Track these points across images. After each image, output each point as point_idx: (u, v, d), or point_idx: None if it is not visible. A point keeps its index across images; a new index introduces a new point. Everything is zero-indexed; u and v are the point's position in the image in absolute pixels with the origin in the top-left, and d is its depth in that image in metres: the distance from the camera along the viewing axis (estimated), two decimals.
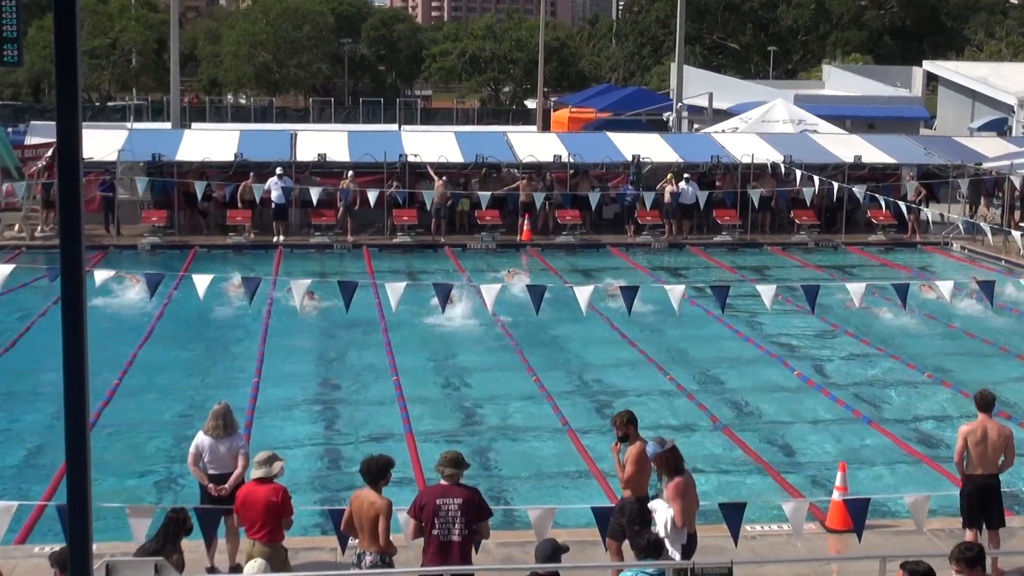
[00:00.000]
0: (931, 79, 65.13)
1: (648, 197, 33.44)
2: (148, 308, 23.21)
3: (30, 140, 34.58)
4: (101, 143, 32.06)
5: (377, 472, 10.55)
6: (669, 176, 34.34)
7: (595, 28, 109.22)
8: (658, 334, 23.46)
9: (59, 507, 11.12)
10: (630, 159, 34.86)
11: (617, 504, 11.83)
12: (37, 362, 19.84)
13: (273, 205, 32.53)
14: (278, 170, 32.51)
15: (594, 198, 33.58)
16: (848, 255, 32.97)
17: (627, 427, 11.67)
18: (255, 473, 11.11)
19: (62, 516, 10.71)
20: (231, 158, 33.42)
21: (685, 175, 34.02)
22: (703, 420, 17.84)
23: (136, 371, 19.88)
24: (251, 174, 32.64)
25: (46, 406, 18.03)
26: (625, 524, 11.47)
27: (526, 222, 33.38)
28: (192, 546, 11.42)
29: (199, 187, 31.99)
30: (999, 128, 51.60)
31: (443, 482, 10.42)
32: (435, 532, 10.25)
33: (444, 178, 33.34)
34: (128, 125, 47.60)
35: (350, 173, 33.06)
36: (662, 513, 10.90)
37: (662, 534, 10.74)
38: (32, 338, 21.77)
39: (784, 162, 34.70)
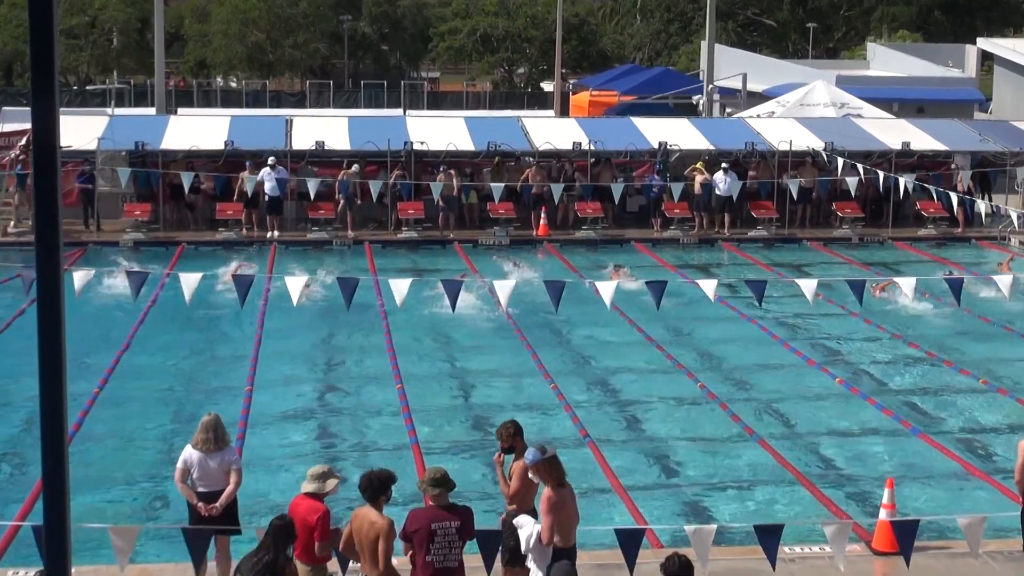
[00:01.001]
0: (986, 58, 64.90)
1: (676, 188, 33.38)
2: (131, 310, 23.25)
3: (2, 127, 34.65)
4: (80, 130, 32.13)
5: (378, 487, 10.53)
6: (699, 165, 34.30)
7: (618, 3, 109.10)
8: (687, 337, 23.44)
9: (35, 528, 11.14)
10: (656, 146, 34.83)
11: (503, 521, 11.76)
12: (10, 368, 19.90)
13: (266, 198, 32.58)
14: (271, 160, 32.55)
15: (617, 189, 33.53)
16: (896, 251, 32.90)
17: (513, 439, 11.66)
18: (306, 487, 11.03)
19: (38, 538, 10.73)
20: (221, 146, 33.45)
21: (723, 164, 33.94)
22: (737, 431, 17.81)
23: (118, 378, 19.92)
24: (248, 164, 32.67)
25: (20, 416, 18.10)
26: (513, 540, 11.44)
27: (543, 216, 33.37)
28: (180, 568, 11.45)
29: (186, 178, 32.04)
30: None
31: (430, 503, 10.39)
32: (429, 559, 10.22)
33: (443, 168, 33.24)
34: (109, 111, 47.70)
35: (355, 166, 33.06)
36: (527, 528, 10.93)
37: (524, 549, 10.79)
38: (5, 342, 21.84)
39: (825, 149, 34.64)
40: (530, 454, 11.10)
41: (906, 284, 17.91)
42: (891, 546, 12.81)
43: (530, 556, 10.85)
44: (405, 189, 33.26)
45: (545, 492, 10.95)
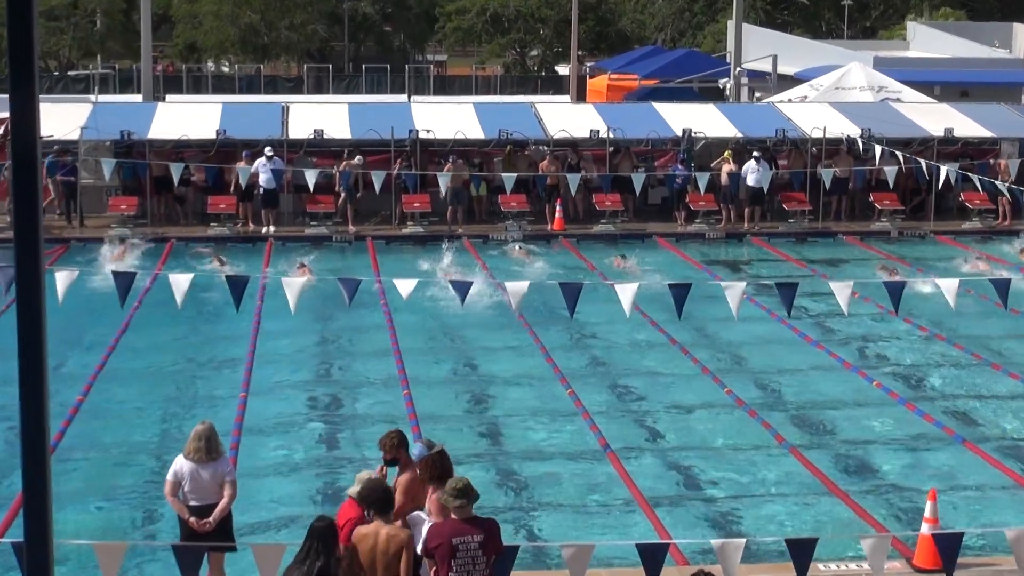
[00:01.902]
0: None
1: (702, 179, 33.37)
2: (117, 311, 23.26)
3: None
4: (61, 119, 32.18)
5: (386, 498, 10.53)
6: (726, 154, 34.27)
7: None
8: (713, 339, 23.44)
9: (15, 544, 11.18)
10: (680, 134, 34.80)
11: None
12: None
13: (261, 191, 32.63)
14: (267, 150, 32.59)
15: (638, 180, 33.51)
16: (938, 245, 32.84)
17: (397, 450, 11.71)
18: (354, 491, 11.10)
19: (19, 555, 10.77)
20: (212, 136, 33.51)
21: (755, 153, 33.89)
22: (767, 440, 17.81)
23: (103, 384, 19.97)
24: (244, 154, 32.70)
25: None
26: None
27: (558, 209, 33.38)
28: None
29: (175, 170, 32.07)
30: None
31: (453, 516, 10.41)
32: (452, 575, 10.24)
33: (451, 158, 33.26)
34: (92, 98, 47.77)
35: (358, 157, 33.11)
36: (422, 530, 11.00)
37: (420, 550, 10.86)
38: None
39: (862, 137, 34.59)
40: (417, 449, 11.22)
41: (949, 285, 17.82)
42: (934, 562, 12.79)
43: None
44: (410, 181, 33.27)
45: (434, 496, 11.05)
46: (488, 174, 34.25)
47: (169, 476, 12.20)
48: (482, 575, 10.31)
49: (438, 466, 11.17)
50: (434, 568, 10.33)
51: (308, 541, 10.20)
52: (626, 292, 16.61)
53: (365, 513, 10.60)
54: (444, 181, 32.57)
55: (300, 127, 34.03)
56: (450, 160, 33.31)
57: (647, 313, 23.23)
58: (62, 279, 15.89)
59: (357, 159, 33.05)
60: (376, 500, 10.52)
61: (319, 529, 10.18)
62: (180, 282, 16.13)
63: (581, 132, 34.68)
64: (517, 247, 29.74)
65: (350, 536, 10.64)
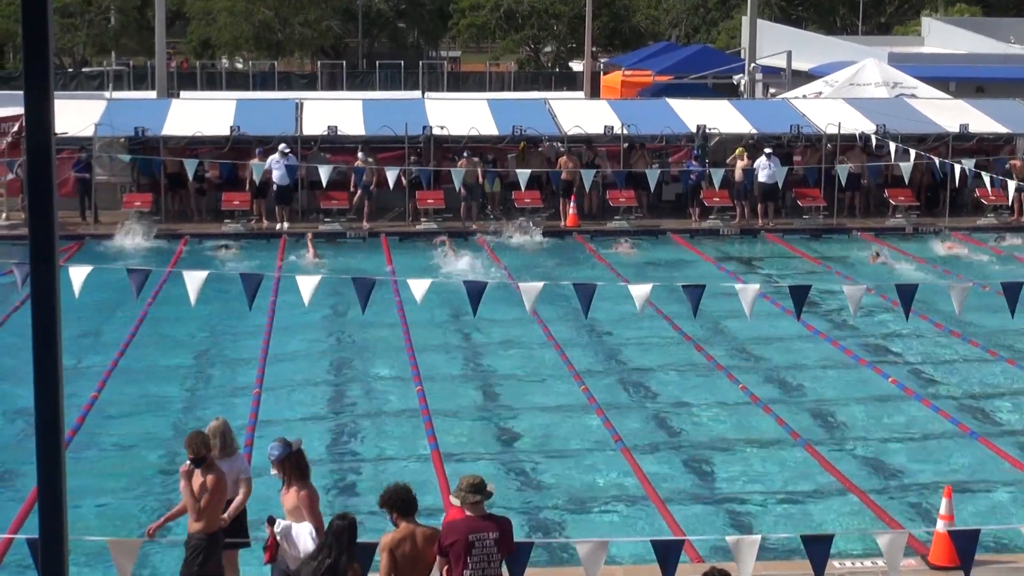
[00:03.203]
0: None
1: (716, 175, 33.31)
2: (131, 307, 23.32)
3: None
4: (76, 115, 32.25)
5: (412, 501, 10.49)
6: (740, 150, 34.23)
7: None
8: (727, 335, 23.42)
9: (30, 540, 11.20)
10: (694, 130, 34.77)
11: (191, 546, 11.57)
12: (3, 370, 20.00)
13: (275, 187, 32.64)
14: (281, 146, 32.60)
15: (652, 176, 33.45)
16: (953, 241, 32.70)
17: (202, 448, 11.59)
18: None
19: (34, 550, 10.79)
20: (226, 132, 33.55)
21: (766, 149, 33.84)
22: (782, 436, 17.79)
23: (117, 381, 20.00)
24: (257, 151, 32.72)
25: (13, 421, 18.18)
26: (197, 565, 11.41)
27: (572, 205, 33.36)
28: None
29: (189, 166, 32.11)
30: None
31: (468, 513, 10.38)
32: (467, 573, 10.20)
33: (465, 154, 33.25)
34: (107, 94, 47.76)
35: (360, 154, 33.10)
36: (304, 534, 11.01)
37: (300, 554, 10.90)
38: None
39: (877, 132, 34.51)
40: (277, 448, 11.19)
41: (959, 288, 17.72)
42: (950, 560, 12.77)
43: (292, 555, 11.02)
44: (424, 177, 33.24)
45: (303, 492, 11.09)
46: (502, 170, 34.23)
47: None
48: (496, 572, 10.29)
49: (300, 463, 11.25)
50: (446, 567, 10.29)
51: (324, 537, 10.20)
52: (639, 292, 16.56)
53: (390, 517, 10.52)
54: (458, 177, 32.57)
55: (314, 123, 34.03)
56: (464, 156, 33.30)
57: (661, 309, 23.23)
58: (76, 275, 15.89)
59: (360, 156, 33.04)
60: (399, 503, 10.44)
61: (338, 527, 10.15)
62: (194, 278, 16.15)
63: (595, 128, 34.65)
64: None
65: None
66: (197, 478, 11.49)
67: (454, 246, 30.26)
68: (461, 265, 28.19)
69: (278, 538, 11.13)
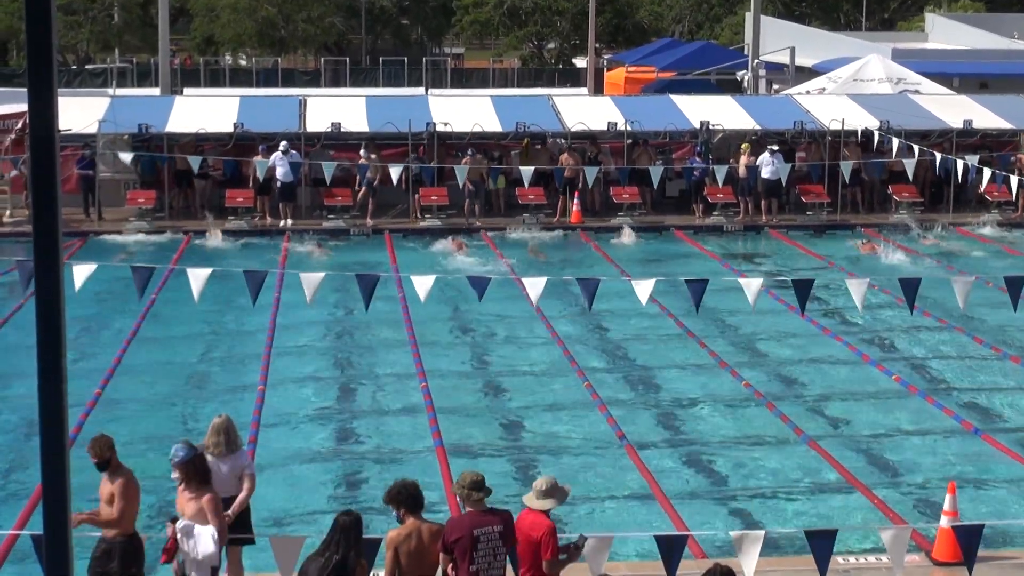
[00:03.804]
0: None
1: (720, 171, 33.30)
2: (134, 304, 23.33)
3: None
4: (79, 113, 32.28)
5: (419, 497, 10.47)
6: (744, 146, 34.21)
7: None
8: (731, 331, 23.42)
9: (34, 537, 11.22)
10: (698, 126, 34.75)
11: (101, 549, 11.53)
12: (7, 367, 20.01)
13: (278, 184, 32.64)
14: (284, 144, 32.60)
15: (656, 173, 33.44)
16: (956, 237, 32.72)
17: (107, 452, 11.52)
18: (532, 502, 10.69)
19: (38, 548, 10.80)
20: (230, 129, 33.55)
21: (770, 146, 33.82)
22: (785, 432, 17.79)
23: (121, 378, 20.02)
24: (261, 148, 32.73)
25: (17, 418, 18.19)
26: (118, 570, 11.39)
27: (575, 202, 33.35)
28: None
29: (193, 163, 32.14)
30: None
31: (470, 508, 10.38)
32: (474, 568, 10.18)
33: (469, 151, 33.24)
34: (110, 91, 47.82)
35: (363, 152, 33.10)
36: (206, 537, 11.03)
37: (200, 557, 10.96)
38: (1, 339, 21.97)
39: (880, 129, 34.48)
40: (181, 450, 11.22)
41: (962, 283, 17.69)
42: (953, 555, 12.76)
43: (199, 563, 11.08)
44: (427, 174, 33.23)
45: (208, 496, 11.13)
46: (506, 167, 34.22)
47: None
48: (501, 566, 10.29)
49: (204, 466, 11.31)
50: (451, 564, 10.27)
51: (331, 534, 10.16)
52: (643, 288, 16.56)
53: (396, 513, 10.50)
54: (462, 174, 32.55)
55: (317, 120, 34.03)
56: (468, 153, 33.29)
57: (664, 305, 23.23)
58: (80, 272, 15.88)
59: (364, 152, 33.05)
60: (406, 499, 10.42)
61: (344, 523, 10.12)
62: (198, 275, 16.14)
63: (599, 125, 34.64)
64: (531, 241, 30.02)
65: (547, 542, 10.39)
66: (106, 485, 11.42)
67: (466, 245, 30.32)
68: (470, 262, 28.23)
69: (179, 537, 11.12)
